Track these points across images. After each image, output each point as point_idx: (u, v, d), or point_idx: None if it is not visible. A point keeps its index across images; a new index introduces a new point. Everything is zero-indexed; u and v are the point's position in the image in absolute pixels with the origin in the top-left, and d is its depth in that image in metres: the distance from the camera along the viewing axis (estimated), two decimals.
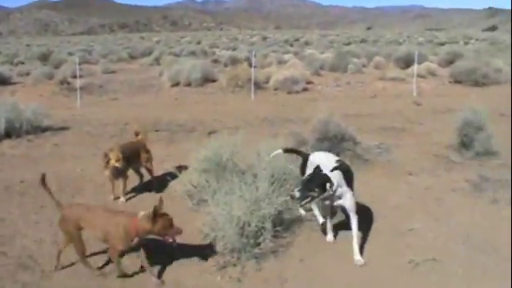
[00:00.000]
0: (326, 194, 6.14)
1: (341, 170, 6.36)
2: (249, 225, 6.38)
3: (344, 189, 6.30)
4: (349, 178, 6.43)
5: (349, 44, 66.44)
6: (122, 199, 8.71)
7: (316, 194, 6.08)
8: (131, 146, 9.18)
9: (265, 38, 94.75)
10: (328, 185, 6.06)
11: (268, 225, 6.42)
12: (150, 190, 9.12)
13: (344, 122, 10.86)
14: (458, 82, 25.34)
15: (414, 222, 7.27)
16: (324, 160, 6.65)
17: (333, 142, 10.36)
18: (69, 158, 11.63)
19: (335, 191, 6.17)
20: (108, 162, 8.34)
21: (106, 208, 6.66)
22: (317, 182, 6.07)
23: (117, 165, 8.28)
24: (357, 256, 6.28)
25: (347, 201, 6.35)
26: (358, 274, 6.03)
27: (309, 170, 6.59)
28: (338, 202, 6.39)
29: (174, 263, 6.52)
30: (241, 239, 6.31)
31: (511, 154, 9.69)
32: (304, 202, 6.24)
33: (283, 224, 7.03)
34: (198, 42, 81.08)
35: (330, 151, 10.02)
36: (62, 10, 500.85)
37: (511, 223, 6.60)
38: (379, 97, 21.88)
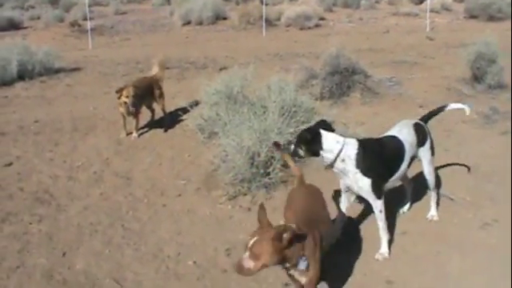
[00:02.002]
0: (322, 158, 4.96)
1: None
2: (258, 155, 6.45)
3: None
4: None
5: None
6: (135, 135, 8.79)
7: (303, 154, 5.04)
8: (144, 81, 9.22)
9: None
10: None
11: (277, 154, 6.48)
12: (161, 126, 9.18)
13: (356, 56, 10.81)
14: (472, 16, 24.98)
15: None
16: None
17: (343, 75, 10.35)
18: (81, 97, 11.71)
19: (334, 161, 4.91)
20: (119, 98, 8.41)
21: None
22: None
23: (126, 100, 8.35)
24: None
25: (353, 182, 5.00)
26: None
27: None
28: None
29: (186, 193, 6.67)
30: (251, 169, 6.39)
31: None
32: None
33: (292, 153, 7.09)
34: None
35: (340, 83, 10.14)
36: None
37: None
38: (392, 32, 21.67)
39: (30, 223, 6.04)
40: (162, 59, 10.01)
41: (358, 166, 4.85)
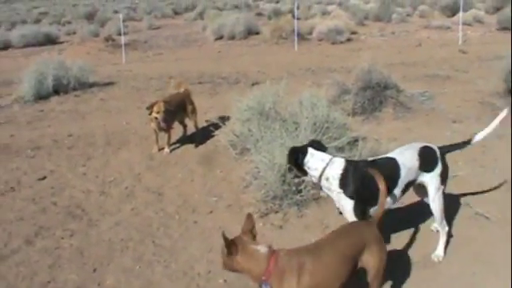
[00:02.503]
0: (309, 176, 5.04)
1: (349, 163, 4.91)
2: (290, 172, 6.42)
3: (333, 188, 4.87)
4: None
5: None
6: (167, 150, 8.83)
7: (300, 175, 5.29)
8: (177, 97, 9.27)
9: None
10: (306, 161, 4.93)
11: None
12: (193, 142, 9.19)
13: (388, 70, 10.71)
14: (505, 29, 24.65)
15: (458, 169, 7.18)
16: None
17: (376, 90, 10.27)
18: (115, 111, 11.83)
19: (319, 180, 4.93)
20: (150, 114, 8.45)
21: None
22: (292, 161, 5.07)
23: (157, 116, 8.39)
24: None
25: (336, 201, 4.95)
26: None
27: None
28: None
29: (218, 210, 6.64)
30: (282, 186, 6.35)
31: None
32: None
33: None
34: None
35: (372, 99, 10.06)
36: None
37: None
38: (424, 45, 21.50)
39: (62, 238, 6.08)
40: (180, 81, 10.18)
41: (341, 186, 4.78)
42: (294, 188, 6.40)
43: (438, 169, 5.07)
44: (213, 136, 9.14)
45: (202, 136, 9.35)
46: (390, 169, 4.87)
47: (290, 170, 5.36)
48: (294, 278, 3.63)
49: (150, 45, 26.38)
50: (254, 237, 3.87)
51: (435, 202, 5.10)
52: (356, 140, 7.40)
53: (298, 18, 23.61)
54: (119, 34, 24.04)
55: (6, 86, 15.57)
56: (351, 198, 4.75)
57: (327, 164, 4.83)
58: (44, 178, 7.99)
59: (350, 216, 4.79)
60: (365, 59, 10.68)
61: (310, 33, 24.64)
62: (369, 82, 10.34)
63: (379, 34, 26.01)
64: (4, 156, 9.13)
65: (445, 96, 11.48)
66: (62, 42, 29.73)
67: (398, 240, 5.52)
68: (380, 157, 5.20)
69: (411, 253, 5.34)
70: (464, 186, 6.68)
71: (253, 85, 12.90)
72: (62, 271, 5.36)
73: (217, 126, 8.77)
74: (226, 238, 3.66)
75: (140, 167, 8.22)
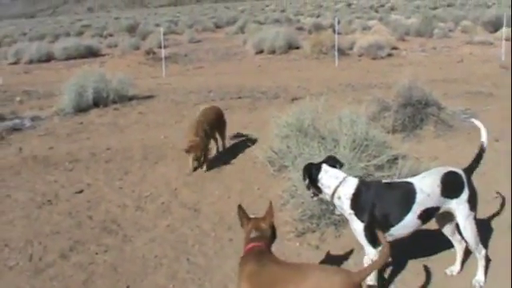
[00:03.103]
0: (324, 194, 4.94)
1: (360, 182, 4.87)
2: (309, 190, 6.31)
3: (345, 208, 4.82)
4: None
5: (435, 8, 64.44)
6: (204, 168, 8.73)
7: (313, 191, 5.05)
8: (210, 114, 9.26)
9: (349, 5, 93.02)
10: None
11: None
12: (231, 157, 9.11)
13: (429, 87, 10.49)
14: None
15: (500, 189, 6.98)
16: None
17: (416, 107, 10.08)
18: (153, 125, 11.83)
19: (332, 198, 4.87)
20: (187, 152, 8.52)
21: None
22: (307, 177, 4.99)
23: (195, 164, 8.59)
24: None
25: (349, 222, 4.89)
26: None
27: None
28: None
29: None
30: (320, 205, 6.22)
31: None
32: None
33: None
34: (283, 10, 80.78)
35: (413, 116, 9.86)
36: None
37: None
38: (466, 61, 21.16)
39: (97, 253, 6.06)
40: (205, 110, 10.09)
41: (352, 207, 4.70)
42: (331, 207, 6.27)
43: (465, 194, 4.83)
44: (251, 152, 9.00)
45: (240, 152, 9.26)
46: (405, 193, 4.73)
47: (308, 188, 5.03)
48: (240, 273, 4.19)
49: (191, 58, 26.54)
50: (268, 224, 4.59)
51: (467, 230, 4.83)
52: (396, 158, 7.22)
53: (339, 33, 23.49)
54: (160, 47, 24.18)
55: (48, 97, 15.77)
56: (362, 220, 4.66)
57: (340, 182, 4.76)
58: (81, 191, 8.01)
59: (361, 239, 4.74)
60: (406, 75, 10.50)
61: (351, 48, 24.52)
62: (409, 98, 10.15)
63: (420, 49, 25.75)
64: (43, 168, 9.18)
65: (487, 113, 11.20)
66: (103, 55, 30.17)
67: (438, 266, 5.34)
68: (398, 180, 5.14)
69: (453, 280, 5.17)
70: (508, 207, 6.47)
71: (292, 100, 12.79)
72: (95, 287, 5.31)
73: (255, 142, 8.70)
74: (242, 210, 4.69)
75: (177, 182, 8.18)
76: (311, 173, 4.89)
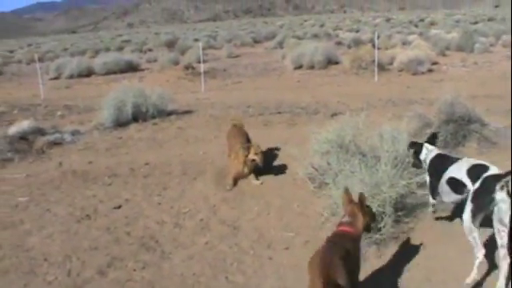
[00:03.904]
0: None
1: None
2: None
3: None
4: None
5: (476, 23, 63.73)
6: (257, 182, 8.67)
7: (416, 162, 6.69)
8: (241, 130, 9.61)
9: (388, 20, 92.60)
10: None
11: (389, 209, 6.16)
12: (270, 174, 8.99)
13: (471, 103, 10.28)
14: None
15: None
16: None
17: (459, 123, 9.86)
18: (192, 140, 11.82)
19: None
20: (246, 156, 8.53)
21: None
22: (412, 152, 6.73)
23: (255, 158, 8.51)
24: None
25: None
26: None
27: None
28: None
29: (294, 246, 6.42)
30: None
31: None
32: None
33: (405, 209, 6.71)
34: (321, 25, 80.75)
35: (455, 133, 9.65)
36: None
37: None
38: (509, 77, 20.76)
39: (134, 270, 6.01)
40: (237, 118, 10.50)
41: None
42: (373, 226, 6.13)
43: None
44: (291, 168, 8.88)
45: (280, 168, 9.16)
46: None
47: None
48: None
49: (229, 73, 26.59)
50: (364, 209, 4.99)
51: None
52: None
53: (379, 48, 23.29)
54: (199, 62, 24.28)
55: (88, 112, 15.94)
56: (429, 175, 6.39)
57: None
58: (119, 206, 7.99)
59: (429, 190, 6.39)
60: (447, 91, 10.30)
61: (391, 63, 24.30)
62: (452, 114, 9.95)
63: (461, 64, 25.41)
64: (82, 183, 9.22)
65: None
66: (142, 70, 30.48)
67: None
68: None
69: None
70: None
71: (332, 115, 12.67)
72: None
73: (295, 158, 8.57)
74: (348, 193, 5.12)
75: (215, 199, 8.09)
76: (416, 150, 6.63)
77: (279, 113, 14.21)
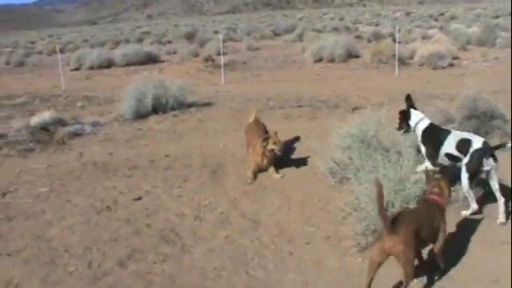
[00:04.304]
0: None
1: None
2: (393, 205, 6.09)
3: None
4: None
5: (497, 17, 62.88)
6: (278, 176, 8.65)
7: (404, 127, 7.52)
8: (261, 125, 9.71)
9: (408, 14, 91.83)
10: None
11: (413, 205, 6.08)
12: (291, 167, 8.95)
13: (493, 98, 10.15)
14: None
15: None
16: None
17: (481, 119, 9.73)
18: (212, 133, 11.79)
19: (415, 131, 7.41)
20: (266, 146, 8.56)
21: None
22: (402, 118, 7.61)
23: (274, 147, 8.52)
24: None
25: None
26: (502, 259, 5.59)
27: None
28: None
29: (315, 241, 6.38)
30: None
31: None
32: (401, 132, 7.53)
33: None
34: (341, 19, 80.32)
35: (477, 128, 9.52)
36: None
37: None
38: None
39: (155, 262, 6.00)
40: (256, 111, 10.45)
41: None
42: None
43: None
44: (312, 162, 8.81)
45: (301, 161, 9.10)
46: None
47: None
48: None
49: (249, 66, 26.48)
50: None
51: None
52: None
53: (399, 42, 23.09)
54: (219, 55, 24.21)
55: (108, 103, 15.96)
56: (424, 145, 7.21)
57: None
58: (139, 198, 7.98)
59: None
60: (469, 86, 10.17)
61: (411, 57, 24.07)
62: (474, 110, 9.83)
63: (482, 59, 25.07)
64: (102, 174, 9.22)
65: None
66: (162, 61, 30.48)
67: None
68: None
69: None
70: None
71: (353, 110, 12.55)
72: None
73: (316, 152, 8.51)
74: (428, 173, 6.12)
75: (236, 192, 8.06)
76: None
77: (299, 106, 14.13)
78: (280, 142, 8.50)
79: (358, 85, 18.34)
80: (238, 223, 6.97)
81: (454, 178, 6.65)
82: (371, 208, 5.99)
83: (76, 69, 29.76)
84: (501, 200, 6.47)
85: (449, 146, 6.80)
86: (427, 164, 7.05)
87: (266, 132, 9.27)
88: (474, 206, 6.54)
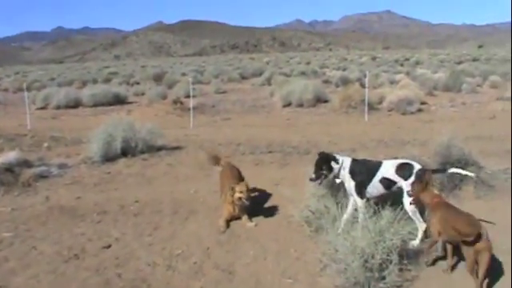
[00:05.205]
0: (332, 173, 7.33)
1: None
2: (373, 257, 5.94)
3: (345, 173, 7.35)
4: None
5: (460, 63, 64.33)
6: (251, 224, 8.44)
7: (325, 172, 7.30)
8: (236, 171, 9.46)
9: (374, 58, 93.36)
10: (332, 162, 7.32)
11: (394, 257, 5.94)
12: (265, 216, 8.77)
13: (465, 145, 10.17)
14: None
15: None
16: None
17: (455, 166, 9.70)
18: (182, 178, 11.60)
19: (338, 172, 7.35)
20: (232, 196, 8.37)
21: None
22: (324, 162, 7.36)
23: (241, 196, 8.32)
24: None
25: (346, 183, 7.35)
26: None
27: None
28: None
29: None
30: (365, 273, 5.86)
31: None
32: (320, 182, 7.37)
33: (408, 256, 6.51)
34: (308, 63, 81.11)
35: (451, 175, 9.48)
36: (175, 32, 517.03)
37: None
38: (499, 117, 20.76)
39: None
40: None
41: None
42: (376, 274, 5.92)
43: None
44: (285, 210, 8.66)
45: (274, 209, 8.94)
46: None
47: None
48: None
49: (218, 109, 26.45)
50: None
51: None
52: None
53: (367, 87, 23.27)
54: (187, 97, 24.17)
55: (75, 144, 15.71)
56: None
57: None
58: (109, 246, 7.72)
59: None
60: (441, 132, 10.19)
61: (380, 102, 24.28)
62: (448, 157, 9.86)
63: (450, 104, 25.44)
64: (70, 219, 8.96)
65: None
66: (130, 103, 30.32)
67: None
68: None
69: None
70: None
71: None
72: None
73: (288, 200, 8.37)
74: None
75: (209, 241, 7.82)
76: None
77: (270, 152, 14.04)
78: (246, 190, 8.32)
79: (328, 130, 18.33)
80: (213, 274, 6.72)
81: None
82: (351, 259, 5.84)
83: (42, 108, 29.46)
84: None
85: (384, 172, 7.21)
86: (356, 198, 7.24)
87: (241, 178, 9.12)
88: (423, 226, 6.96)
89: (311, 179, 7.33)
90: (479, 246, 5.58)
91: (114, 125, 13.85)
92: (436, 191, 6.59)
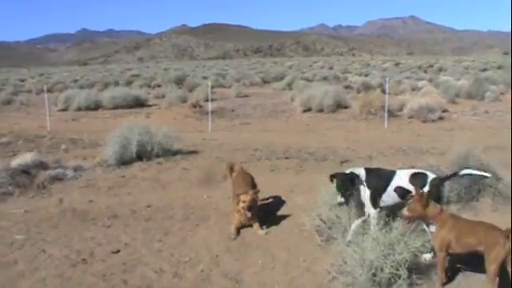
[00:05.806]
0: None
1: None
2: (382, 270, 5.81)
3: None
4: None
5: (485, 70, 63.49)
6: (262, 232, 8.33)
7: (349, 192, 7.10)
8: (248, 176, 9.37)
9: (397, 64, 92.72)
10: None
11: (403, 271, 5.80)
12: (276, 224, 8.67)
13: (484, 155, 9.97)
14: None
15: None
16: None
17: (474, 176, 9.53)
18: (196, 183, 11.55)
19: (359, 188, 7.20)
20: (237, 204, 8.35)
21: None
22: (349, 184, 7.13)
23: (244, 206, 8.25)
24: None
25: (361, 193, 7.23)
26: None
27: None
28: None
29: None
30: (372, 287, 5.74)
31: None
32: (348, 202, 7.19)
33: (419, 270, 6.35)
34: (331, 67, 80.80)
35: (469, 186, 9.29)
36: (199, 35, 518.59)
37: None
38: None
39: None
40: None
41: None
42: None
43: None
44: (298, 219, 8.52)
45: (286, 217, 8.84)
46: None
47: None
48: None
49: (237, 113, 26.37)
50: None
51: None
52: None
53: (388, 93, 23.05)
54: (207, 101, 24.10)
55: (92, 147, 15.74)
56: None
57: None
58: (118, 251, 7.67)
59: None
60: (461, 143, 10.00)
61: (400, 109, 24.00)
62: (465, 167, 9.63)
63: (472, 113, 25.09)
64: (81, 223, 8.95)
65: None
66: (150, 105, 30.34)
67: None
68: None
69: None
70: None
71: (342, 163, 12.37)
72: None
73: (302, 208, 8.25)
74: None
75: (218, 248, 7.73)
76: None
77: (287, 158, 13.93)
78: (251, 200, 8.25)
79: (346, 136, 18.20)
80: (219, 283, 6.62)
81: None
82: (359, 273, 5.71)
83: (63, 109, 29.63)
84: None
85: (398, 181, 7.13)
86: (370, 208, 7.18)
87: (254, 185, 9.03)
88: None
89: (340, 204, 7.12)
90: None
91: (131, 128, 13.84)
92: (438, 205, 6.27)
